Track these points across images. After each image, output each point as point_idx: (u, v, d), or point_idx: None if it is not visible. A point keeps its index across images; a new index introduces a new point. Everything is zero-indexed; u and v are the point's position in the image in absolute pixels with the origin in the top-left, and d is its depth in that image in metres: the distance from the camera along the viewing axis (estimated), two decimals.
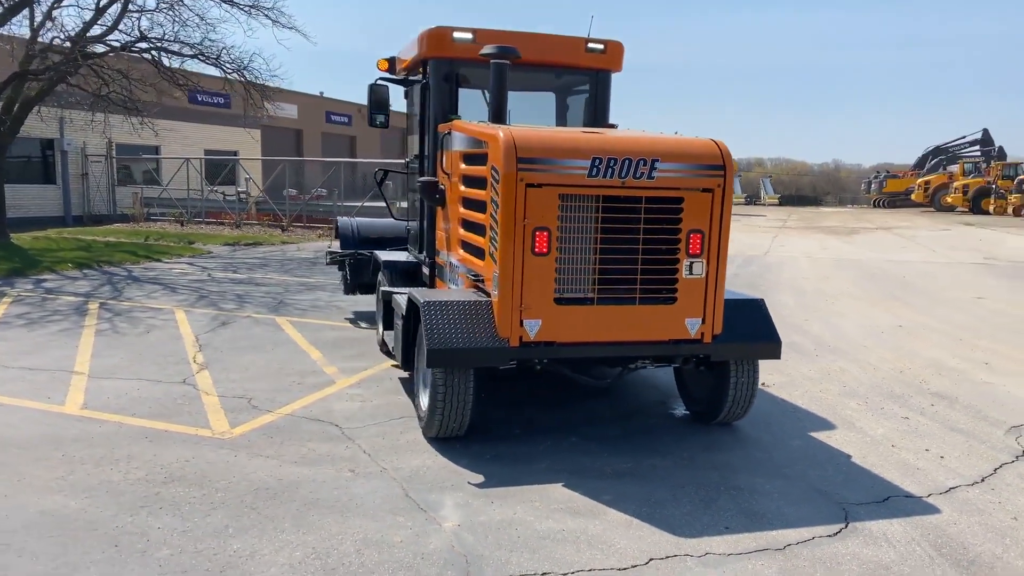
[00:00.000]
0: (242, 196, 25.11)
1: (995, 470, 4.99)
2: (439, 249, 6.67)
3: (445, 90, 6.69)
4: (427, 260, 7.01)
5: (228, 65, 17.59)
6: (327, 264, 9.57)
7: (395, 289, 7.04)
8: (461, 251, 5.84)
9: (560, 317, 4.93)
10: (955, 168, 45.35)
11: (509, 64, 5.98)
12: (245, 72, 17.84)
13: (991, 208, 39.07)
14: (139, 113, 17.86)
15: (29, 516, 3.97)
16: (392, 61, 7.97)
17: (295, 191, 24.83)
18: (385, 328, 7.18)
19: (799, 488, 4.62)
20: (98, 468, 4.61)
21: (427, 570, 3.55)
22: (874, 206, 49.80)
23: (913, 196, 43.15)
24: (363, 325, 8.95)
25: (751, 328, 5.35)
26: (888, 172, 54.24)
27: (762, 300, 5.54)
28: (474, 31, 6.56)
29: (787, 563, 3.72)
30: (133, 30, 16.92)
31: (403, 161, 8.20)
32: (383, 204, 9.79)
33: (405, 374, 6.81)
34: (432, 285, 6.90)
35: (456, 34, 6.53)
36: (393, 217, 8.66)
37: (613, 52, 6.93)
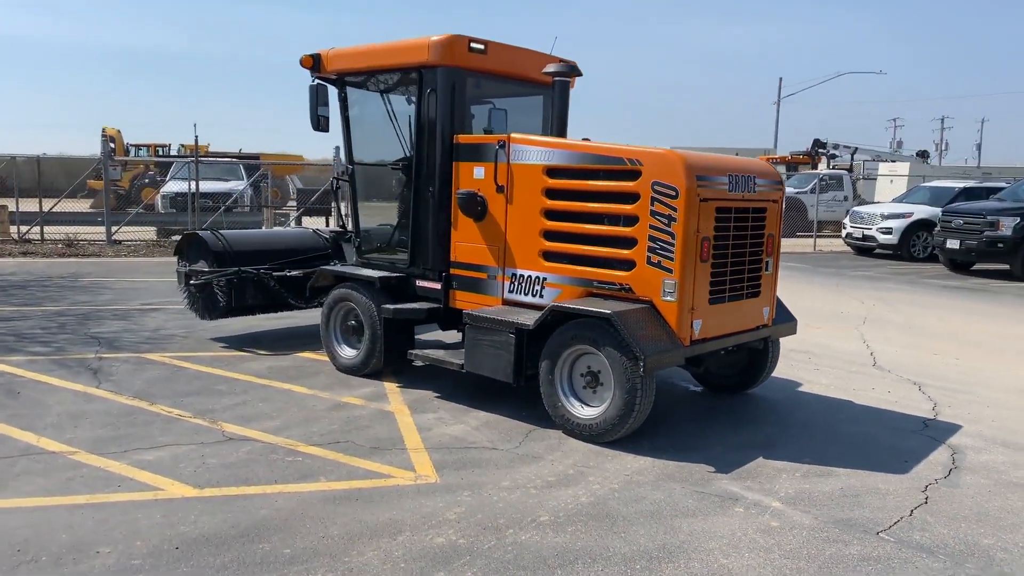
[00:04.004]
0: None
1: (923, 393, 7.11)
2: (462, 260, 6.54)
3: (456, 100, 6.56)
4: (433, 272, 6.76)
5: None
6: (190, 284, 8.05)
7: (419, 305, 6.71)
8: (547, 263, 6.01)
9: (711, 315, 5.64)
10: None
11: (570, 81, 6.28)
12: None
13: None
14: None
15: None
16: (316, 59, 7.33)
17: None
18: (389, 346, 6.77)
19: (880, 430, 6.07)
20: (392, 542, 3.96)
21: (844, 536, 4.13)
22: None
23: None
24: (261, 352, 7.91)
25: (781, 311, 6.65)
26: None
27: None
28: (485, 43, 6.60)
29: (992, 476, 5.13)
30: None
31: (344, 167, 7.52)
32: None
33: (439, 392, 6.56)
34: (446, 297, 6.70)
35: (473, 44, 6.48)
36: (341, 226, 7.83)
37: (574, 71, 7.50)
